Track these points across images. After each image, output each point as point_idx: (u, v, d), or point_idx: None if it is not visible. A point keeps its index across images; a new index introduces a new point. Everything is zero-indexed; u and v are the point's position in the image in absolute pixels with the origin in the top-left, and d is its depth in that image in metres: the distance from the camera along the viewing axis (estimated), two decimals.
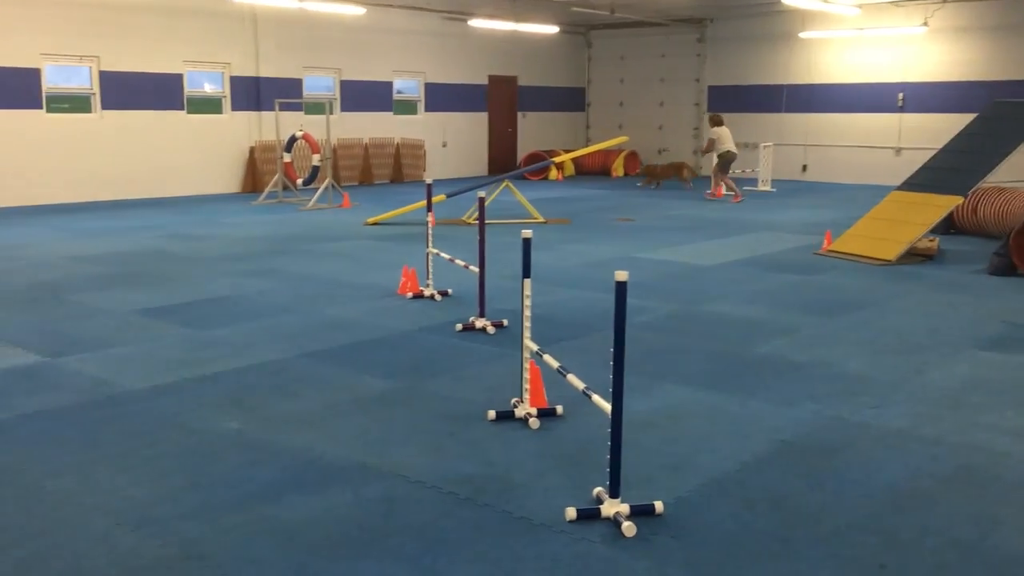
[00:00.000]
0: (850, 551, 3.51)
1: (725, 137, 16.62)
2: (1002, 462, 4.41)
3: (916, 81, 19.44)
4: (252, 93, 17.83)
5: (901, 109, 19.69)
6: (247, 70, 17.73)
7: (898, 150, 19.70)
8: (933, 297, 8.30)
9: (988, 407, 5.21)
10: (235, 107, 17.71)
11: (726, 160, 16.78)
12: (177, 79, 16.81)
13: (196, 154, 17.17)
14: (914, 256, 10.17)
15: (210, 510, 3.82)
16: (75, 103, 15.97)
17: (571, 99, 24.81)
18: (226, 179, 17.73)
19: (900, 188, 11.28)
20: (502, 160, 23.03)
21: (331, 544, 3.53)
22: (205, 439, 4.65)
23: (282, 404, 5.20)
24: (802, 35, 20.27)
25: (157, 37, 16.38)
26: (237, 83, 17.65)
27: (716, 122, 16.77)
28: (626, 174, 22.83)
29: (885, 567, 3.39)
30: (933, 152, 11.89)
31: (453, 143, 21.81)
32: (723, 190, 17.16)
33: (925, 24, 18.65)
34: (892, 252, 10.01)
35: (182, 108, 16.96)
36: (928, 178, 11.08)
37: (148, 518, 3.74)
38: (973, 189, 10.65)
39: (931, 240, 10.54)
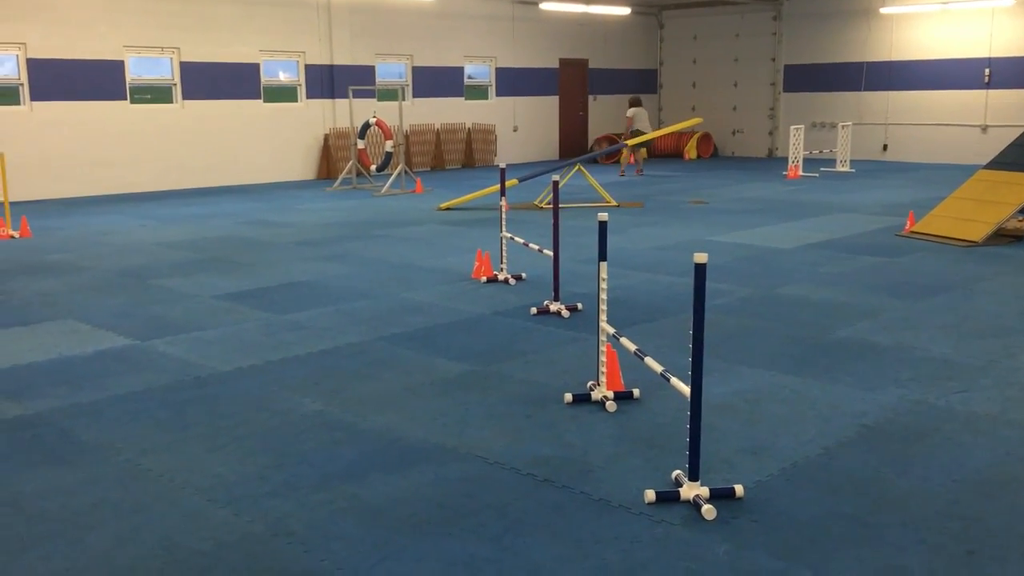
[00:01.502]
0: (937, 537, 3.43)
1: (641, 117, 18.15)
2: None
3: (1003, 56, 18.73)
4: (326, 81, 18.09)
5: (988, 85, 19.00)
6: (321, 58, 17.99)
7: (984, 128, 19.03)
8: (1022, 279, 8.02)
9: None
10: (310, 95, 17.99)
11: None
12: (254, 68, 17.15)
13: (272, 142, 17.51)
14: (1002, 237, 9.84)
15: (295, 488, 3.92)
16: (157, 94, 16.43)
17: (643, 81, 24.56)
18: (302, 166, 18.05)
19: (987, 167, 10.91)
20: (573, 144, 22.94)
21: (414, 523, 3.59)
22: (288, 419, 4.77)
23: (361, 386, 5.30)
24: (883, 10, 19.70)
25: (234, 28, 16.73)
26: (312, 71, 17.93)
27: (634, 103, 18.40)
28: (699, 156, 22.53)
29: (973, 553, 3.32)
30: (1022, 129, 11.45)
31: (524, 127, 21.81)
32: (632, 161, 18.57)
33: None
34: (979, 233, 9.70)
35: (259, 97, 17.31)
36: (1017, 156, 10.68)
37: (237, 495, 3.86)
38: None
39: (1020, 220, 10.18)
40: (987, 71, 18.96)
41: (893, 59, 20.32)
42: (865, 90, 20.77)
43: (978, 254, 9.21)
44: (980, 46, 19.02)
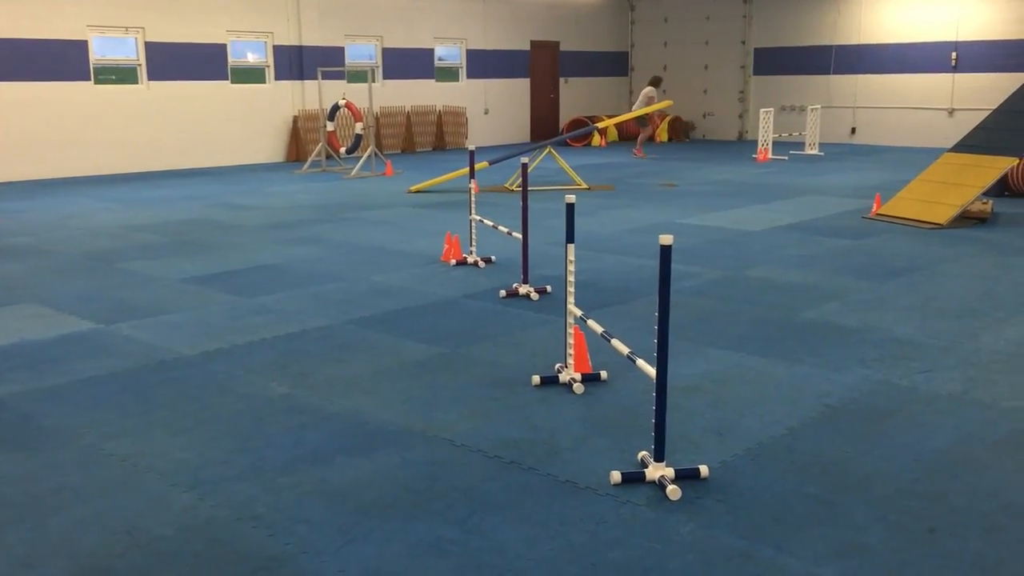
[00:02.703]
0: (899, 516, 3.48)
1: (644, 96, 18.31)
2: None
3: (970, 40, 18.91)
4: (295, 62, 17.90)
5: (954, 69, 19.18)
6: (290, 39, 17.79)
7: (951, 111, 19.23)
8: (986, 261, 8.13)
9: None
10: (278, 76, 17.81)
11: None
12: (221, 49, 16.93)
13: (240, 124, 17.32)
14: (967, 219, 9.96)
15: (261, 472, 3.89)
16: (122, 74, 16.18)
17: (614, 64, 24.54)
18: (270, 148, 17.88)
19: (953, 150, 11.03)
20: (544, 126, 22.90)
21: (381, 505, 3.58)
22: (255, 403, 4.73)
23: (329, 369, 5.27)
24: None
25: (201, 7, 16.49)
26: (280, 52, 17.73)
27: (651, 83, 18.69)
28: (670, 139, 22.57)
29: (935, 531, 3.36)
30: (987, 113, 11.59)
31: (495, 110, 21.73)
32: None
33: None
34: (944, 215, 9.81)
35: (226, 78, 17.10)
36: (982, 139, 10.81)
37: (201, 480, 3.82)
38: None
39: (984, 203, 10.30)
40: (954, 55, 19.14)
41: (862, 43, 20.45)
42: (834, 73, 20.90)
43: (943, 236, 9.32)
44: (947, 30, 19.18)
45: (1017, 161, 10.33)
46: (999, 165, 10.16)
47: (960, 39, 19.04)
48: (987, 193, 10.52)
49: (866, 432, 4.30)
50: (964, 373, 5.11)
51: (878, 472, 3.86)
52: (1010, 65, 17.62)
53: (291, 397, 4.82)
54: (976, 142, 10.83)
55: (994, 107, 11.53)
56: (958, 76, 19.15)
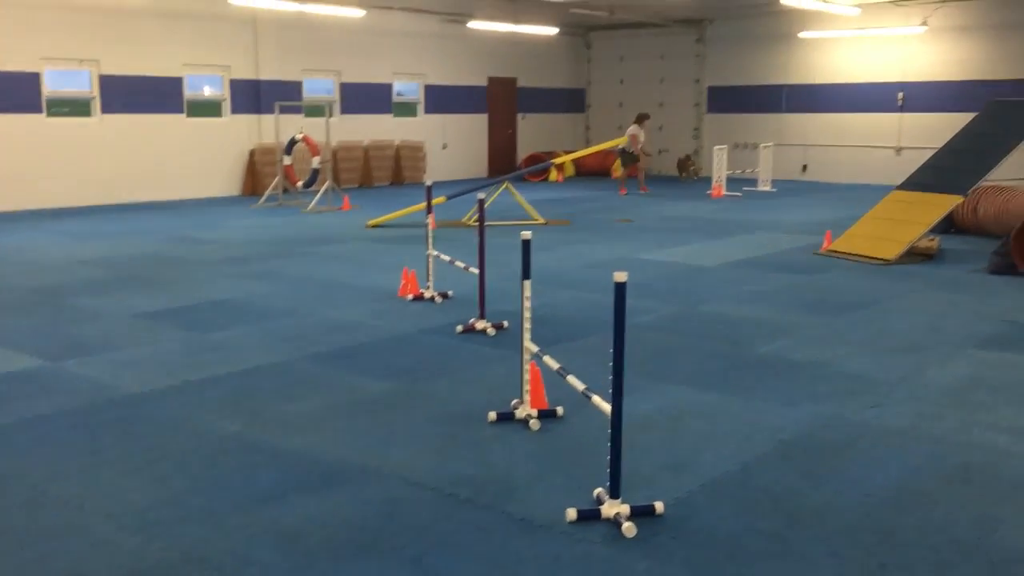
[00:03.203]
0: (851, 551, 3.51)
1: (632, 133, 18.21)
2: (1002, 461, 4.41)
3: (916, 80, 19.44)
4: (252, 96, 17.85)
5: (901, 109, 19.68)
6: (247, 73, 17.75)
7: (898, 149, 19.70)
8: (933, 296, 8.30)
9: (988, 406, 5.22)
10: (235, 110, 17.73)
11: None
12: (177, 82, 16.82)
13: (196, 157, 17.18)
14: (914, 255, 10.18)
15: (212, 513, 3.82)
16: (75, 107, 15.99)
17: (571, 100, 24.82)
18: (226, 182, 17.75)
19: (900, 187, 11.29)
20: (502, 162, 23.03)
21: (333, 546, 3.54)
22: (207, 442, 4.65)
23: (283, 406, 5.21)
24: (801, 35, 20.28)
25: (156, 40, 16.40)
26: (237, 86, 17.67)
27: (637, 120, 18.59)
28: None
29: (885, 566, 3.40)
30: (933, 151, 11.90)
31: (453, 145, 21.82)
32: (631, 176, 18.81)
33: (924, 24, 18.66)
34: (892, 251, 10.02)
35: (182, 111, 16.98)
36: (928, 177, 11.09)
37: (150, 521, 3.74)
38: (973, 188, 10.66)
39: (931, 239, 10.54)
40: (900, 95, 19.66)
41: (812, 82, 20.92)
42: (786, 112, 21.33)
43: (892, 272, 9.51)
44: (894, 71, 19.71)
45: (962, 199, 10.59)
46: (945, 203, 10.42)
47: (906, 80, 19.57)
48: (934, 230, 10.77)
49: (818, 467, 4.34)
50: (913, 408, 5.20)
51: (830, 507, 3.90)
52: (954, 105, 18.12)
53: (243, 435, 4.75)
54: (922, 180, 11.10)
55: (939, 146, 11.84)
56: (905, 116, 19.65)
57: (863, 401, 5.31)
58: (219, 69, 17.48)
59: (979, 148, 10.91)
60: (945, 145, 11.65)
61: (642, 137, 18.03)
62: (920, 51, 19.29)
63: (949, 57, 18.95)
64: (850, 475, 4.24)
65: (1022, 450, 4.54)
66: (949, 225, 12.05)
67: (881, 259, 9.99)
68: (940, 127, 16.41)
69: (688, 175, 10.83)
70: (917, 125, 19.30)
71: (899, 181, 11.62)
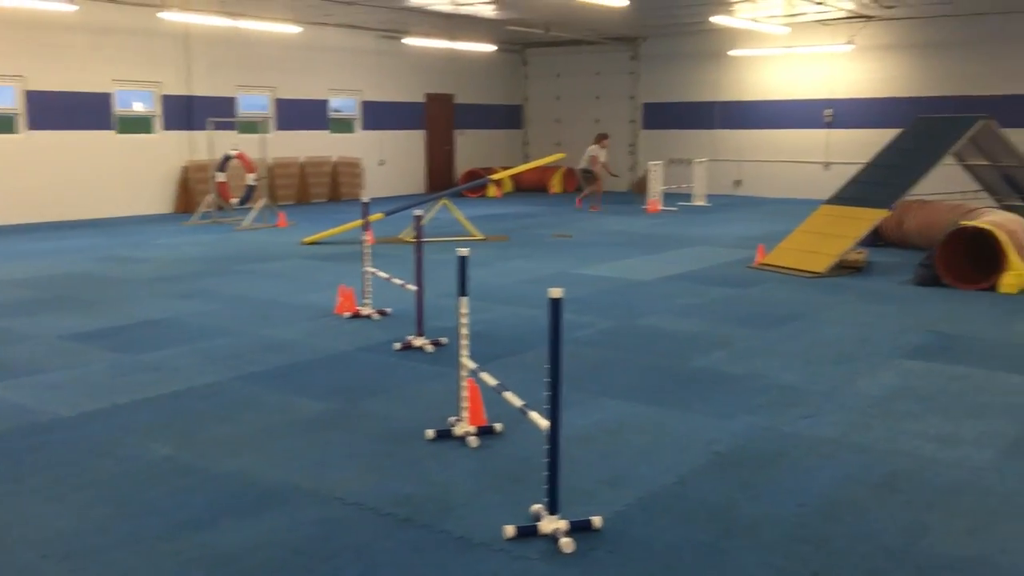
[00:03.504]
0: (784, 560, 3.56)
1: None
2: (929, 468, 4.53)
3: (843, 97, 19.96)
4: (184, 112, 17.57)
5: (829, 125, 20.19)
6: (179, 89, 17.47)
7: (827, 165, 20.19)
8: (862, 308, 8.50)
9: (915, 414, 5.36)
10: (167, 126, 17.42)
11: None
12: (106, 98, 16.48)
13: (127, 174, 16.83)
14: (843, 268, 10.42)
15: (141, 539, 3.72)
16: None
17: (508, 117, 24.94)
18: (158, 200, 17.41)
19: (829, 202, 11.56)
20: (440, 178, 23.02)
21: (267, 570, 3.47)
22: (135, 466, 4.54)
23: (215, 428, 5.11)
24: (732, 53, 20.70)
25: (85, 56, 16.05)
26: (169, 102, 17.38)
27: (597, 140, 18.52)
28: (565, 191, 22.98)
29: (818, 575, 3.45)
30: (860, 166, 12.22)
31: (391, 161, 21.75)
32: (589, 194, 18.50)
33: (851, 42, 19.19)
34: (822, 264, 10.25)
35: (112, 128, 16.63)
36: (855, 192, 11.38)
37: (76, 550, 3.63)
38: (898, 202, 10.96)
39: (859, 252, 10.81)
40: (829, 112, 20.16)
41: (743, 99, 21.35)
42: (719, 128, 21.72)
43: (822, 285, 9.72)
44: (822, 88, 20.22)
45: (888, 213, 10.89)
46: (871, 216, 10.70)
47: (834, 97, 20.08)
48: (862, 243, 11.04)
49: (753, 478, 4.40)
50: (844, 417, 5.31)
51: (765, 517, 3.95)
52: (880, 122, 18.62)
53: (175, 459, 4.64)
54: (850, 195, 11.39)
55: (866, 161, 12.16)
56: (833, 132, 20.16)
57: (796, 412, 5.41)
58: (150, 85, 17.18)
59: (904, 163, 11.24)
60: (871, 160, 11.98)
61: (603, 157, 18.01)
62: (847, 69, 19.83)
63: (875, 75, 19.51)
64: (784, 485, 4.31)
65: (948, 457, 4.67)
66: (876, 238, 12.36)
67: (812, 272, 10.21)
68: (867, 143, 16.84)
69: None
70: (845, 141, 19.81)
71: (828, 196, 11.90)
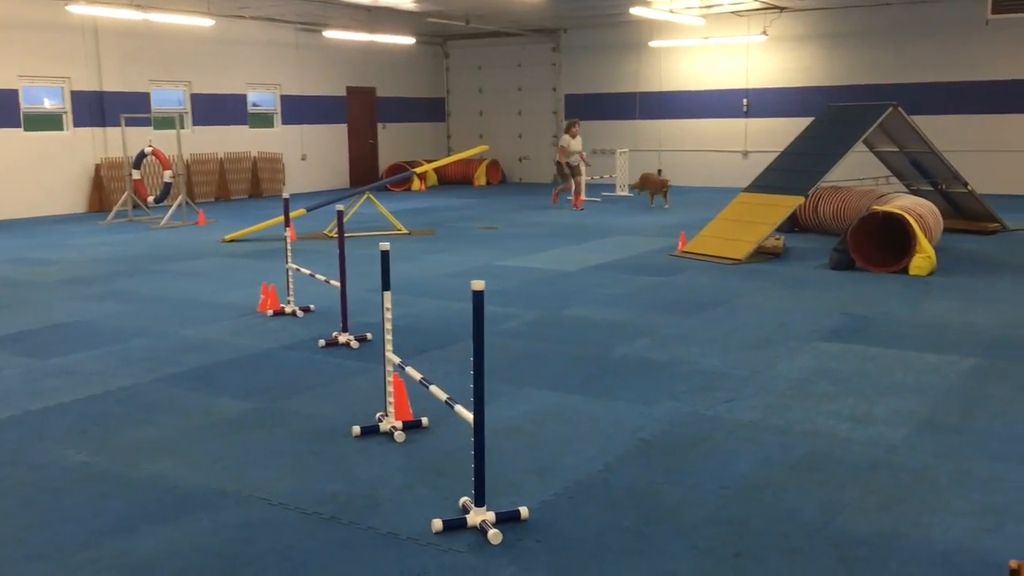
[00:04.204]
0: (707, 542, 3.63)
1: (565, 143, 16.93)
2: (844, 447, 4.67)
3: (759, 87, 20.38)
4: (96, 108, 17.04)
5: (746, 114, 20.60)
6: (89, 84, 16.93)
7: (745, 153, 20.61)
8: (780, 293, 8.71)
9: (831, 396, 5.51)
10: (77, 123, 16.88)
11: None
12: (12, 95, 15.88)
13: (37, 173, 16.25)
14: (762, 254, 10.66)
15: (57, 549, 3.61)
16: None
17: (431, 109, 24.82)
18: (71, 199, 16.87)
19: (747, 190, 11.80)
20: (364, 172, 22.80)
21: (188, 575, 3.40)
22: (50, 474, 4.40)
23: (133, 432, 4.98)
24: (652, 44, 20.94)
25: None
26: (79, 98, 16.83)
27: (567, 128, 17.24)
28: (488, 183, 22.98)
29: (740, 555, 3.53)
30: (777, 155, 12.49)
31: (313, 156, 21.45)
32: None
33: (765, 33, 19.60)
34: (741, 251, 10.46)
35: (19, 125, 16.03)
36: (772, 179, 11.64)
37: None
38: (813, 189, 11.24)
39: (777, 239, 11.07)
40: (745, 101, 20.57)
41: (663, 90, 21.63)
42: (640, 118, 21.97)
43: (741, 271, 9.92)
44: (738, 78, 20.61)
45: (803, 199, 11.17)
46: (788, 203, 10.96)
47: (751, 87, 20.50)
48: (779, 229, 11.31)
49: (677, 463, 4.48)
50: (763, 400, 5.43)
51: (688, 501, 4.03)
52: (794, 110, 19.10)
53: (91, 465, 4.51)
54: (767, 182, 11.65)
55: (782, 150, 12.44)
56: (750, 121, 20.59)
57: (717, 397, 5.51)
58: (59, 80, 16.61)
59: (818, 151, 11.54)
60: (786, 148, 12.26)
61: (574, 146, 16.65)
62: (762, 59, 20.25)
63: (788, 65, 19.97)
64: (706, 469, 4.40)
65: (862, 436, 4.82)
66: (793, 224, 12.68)
67: (731, 259, 10.41)
68: (783, 131, 17.26)
69: (658, 193, 10.04)
70: (761, 130, 20.24)
71: (746, 184, 12.15)
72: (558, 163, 16.90)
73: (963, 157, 14.82)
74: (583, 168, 17.07)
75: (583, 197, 17.15)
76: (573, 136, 16.73)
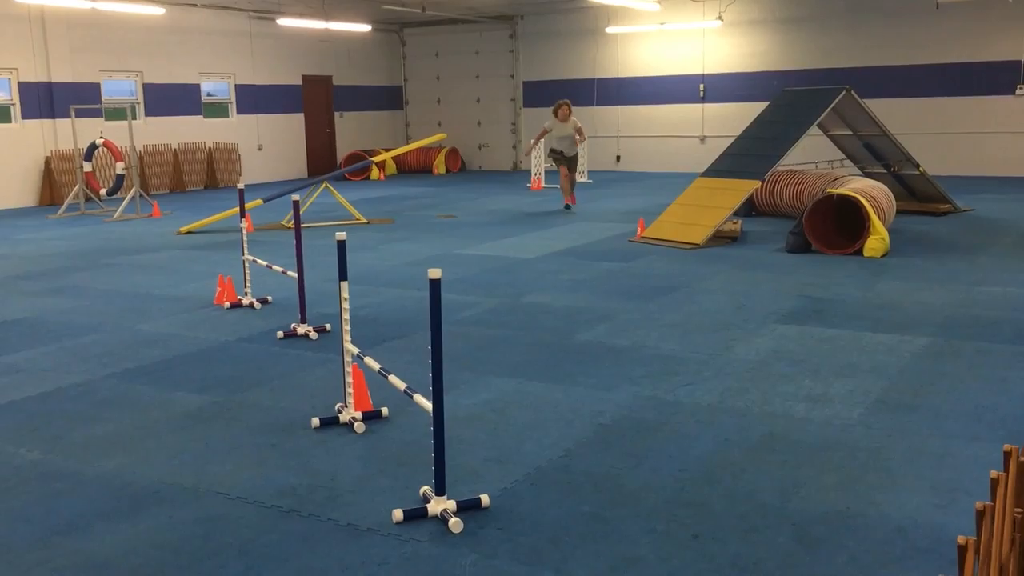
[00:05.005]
0: (667, 525, 3.66)
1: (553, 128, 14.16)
2: (802, 427, 4.72)
3: (715, 72, 20.50)
4: (45, 100, 16.68)
5: (703, 99, 20.72)
6: (37, 75, 16.56)
7: (703, 138, 20.73)
8: (738, 276, 8.78)
9: (788, 377, 5.57)
10: (25, 115, 16.51)
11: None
12: None
13: None
14: (720, 238, 10.74)
15: (8, 549, 3.54)
16: None
17: (389, 97, 24.64)
18: (20, 192, 16.51)
19: (704, 175, 11.87)
20: (322, 162, 22.59)
21: (145, 573, 3.35)
22: (1, 473, 4.30)
23: (87, 429, 4.90)
24: (608, 30, 20.95)
25: None
26: (26, 89, 16.46)
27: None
28: (448, 171, 22.89)
29: (699, 536, 3.56)
30: (732, 139, 12.58)
31: (269, 146, 21.20)
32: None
33: (720, 18, 19.71)
34: (700, 236, 10.53)
35: None
36: (729, 164, 11.72)
37: None
38: (770, 172, 11.34)
39: (734, 223, 11.15)
40: (702, 86, 20.68)
41: (621, 76, 21.67)
42: (598, 105, 21.99)
43: (700, 255, 9.99)
44: (695, 63, 20.71)
45: (760, 183, 11.26)
46: (745, 187, 11.05)
47: (707, 72, 20.61)
48: (736, 213, 11.40)
49: (636, 447, 4.50)
50: (721, 383, 5.48)
51: (647, 485, 4.05)
52: (750, 95, 19.22)
53: (43, 463, 4.43)
54: (724, 167, 11.73)
55: (738, 134, 12.53)
56: (707, 106, 20.70)
57: (676, 380, 5.55)
58: (5, 72, 16.23)
59: (773, 135, 11.64)
60: (742, 133, 12.35)
61: (561, 131, 13.96)
62: (718, 44, 20.36)
63: (744, 50, 20.10)
64: (665, 452, 4.42)
65: (819, 416, 4.88)
66: (750, 208, 12.79)
67: (690, 243, 10.48)
68: (739, 116, 17.35)
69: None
70: (718, 115, 20.36)
71: (704, 168, 12.22)
72: (554, 151, 14.16)
73: (915, 140, 15.07)
74: (570, 160, 14.23)
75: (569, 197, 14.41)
76: (562, 120, 13.95)
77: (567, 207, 14.38)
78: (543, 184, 18.34)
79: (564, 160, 14.21)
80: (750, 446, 4.48)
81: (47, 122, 16.73)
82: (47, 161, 16.71)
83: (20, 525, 3.76)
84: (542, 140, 14.73)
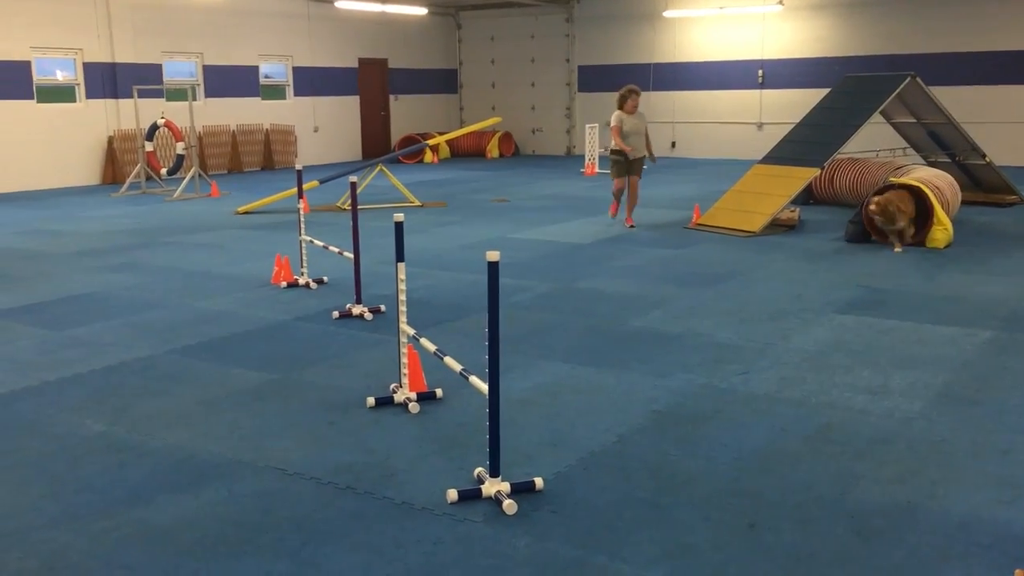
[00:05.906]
0: (721, 513, 3.63)
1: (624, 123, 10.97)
2: (860, 419, 4.65)
3: (774, 58, 20.17)
4: (108, 80, 17.02)
5: (761, 85, 20.40)
6: (102, 56, 16.90)
7: (760, 125, 20.43)
8: (795, 265, 8.66)
9: (846, 368, 5.49)
10: (90, 95, 16.86)
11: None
12: (24, 67, 15.87)
13: (49, 145, 16.27)
14: (777, 227, 10.59)
15: (75, 518, 3.65)
16: None
17: (443, 81, 24.68)
18: (84, 171, 16.90)
19: (762, 162, 11.70)
20: (376, 144, 22.74)
21: (206, 544, 3.43)
22: (68, 444, 4.43)
23: (150, 403, 5.01)
24: (666, 14, 20.73)
25: (0, 22, 15.41)
26: (91, 70, 16.80)
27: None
28: (501, 155, 22.89)
29: (754, 526, 3.53)
30: (791, 126, 12.37)
31: (325, 128, 21.39)
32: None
33: (780, 2, 19.36)
34: (756, 224, 10.39)
35: (31, 97, 16.03)
36: (787, 151, 11.53)
37: (7, 530, 3.54)
38: (829, 160, 11.14)
39: (792, 211, 10.99)
40: (760, 72, 20.37)
41: (678, 60, 21.43)
42: (653, 90, 21.76)
43: (756, 243, 9.86)
44: (754, 49, 20.39)
45: (819, 171, 11.07)
46: (803, 175, 10.87)
47: (766, 58, 20.28)
48: (794, 201, 11.23)
49: (690, 434, 4.47)
50: (778, 373, 5.41)
51: (702, 473, 4.03)
52: (810, 81, 18.89)
53: (108, 435, 4.54)
54: (782, 154, 11.54)
55: (797, 121, 12.32)
56: (765, 92, 20.38)
57: (731, 369, 5.50)
58: (71, 52, 16.58)
59: (834, 122, 11.41)
60: (802, 120, 12.14)
61: (628, 125, 10.85)
62: (778, 29, 20.02)
63: (805, 35, 19.74)
64: (720, 440, 4.39)
65: (878, 408, 4.80)
66: (808, 196, 12.59)
67: (746, 231, 10.35)
68: (798, 102, 17.06)
69: (902, 235, 8.70)
70: (777, 101, 20.04)
71: (761, 156, 12.04)
72: (613, 152, 11.06)
73: (981, 128, 14.65)
74: (642, 161, 11.16)
75: (631, 220, 11.26)
76: (630, 112, 10.92)
77: (631, 227, 11.05)
78: (596, 169, 18.24)
79: (627, 166, 10.97)
80: (807, 436, 4.43)
81: (110, 102, 17.07)
82: (110, 140, 17.06)
83: (86, 494, 3.86)
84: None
